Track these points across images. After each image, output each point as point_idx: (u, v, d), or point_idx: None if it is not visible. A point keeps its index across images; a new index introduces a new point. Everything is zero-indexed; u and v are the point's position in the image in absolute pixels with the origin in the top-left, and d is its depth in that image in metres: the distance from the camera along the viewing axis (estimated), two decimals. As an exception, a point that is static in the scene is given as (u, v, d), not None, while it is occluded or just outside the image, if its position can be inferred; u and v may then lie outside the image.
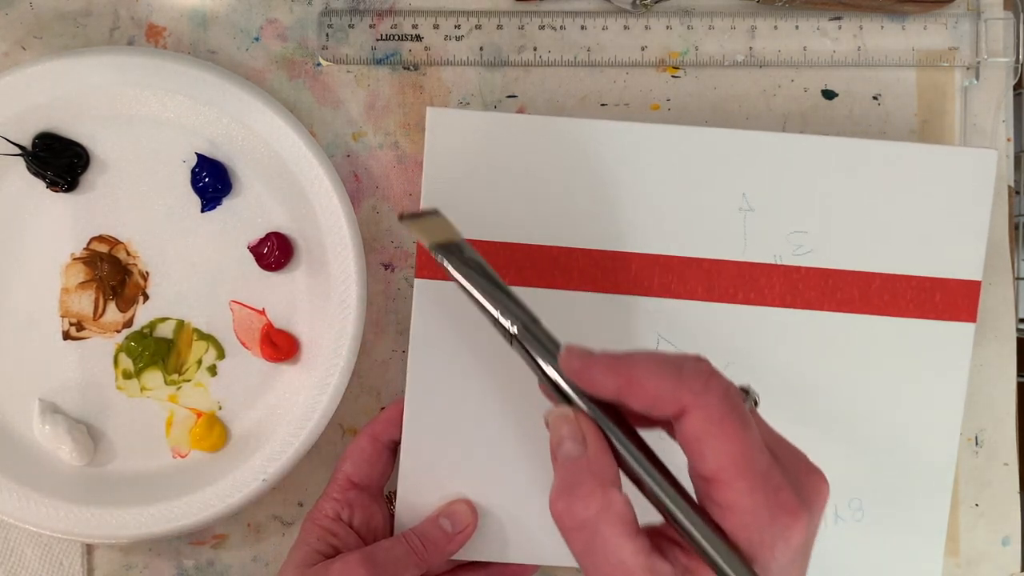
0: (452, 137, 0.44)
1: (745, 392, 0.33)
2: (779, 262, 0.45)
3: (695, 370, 0.31)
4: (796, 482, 0.31)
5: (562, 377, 0.33)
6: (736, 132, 0.45)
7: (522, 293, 0.45)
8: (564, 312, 0.45)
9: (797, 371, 0.45)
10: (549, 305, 0.45)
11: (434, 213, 0.40)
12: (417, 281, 0.45)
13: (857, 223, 0.45)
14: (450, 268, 0.37)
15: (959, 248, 0.45)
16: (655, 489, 0.31)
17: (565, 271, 0.45)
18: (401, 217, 0.39)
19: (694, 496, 0.32)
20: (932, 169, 0.45)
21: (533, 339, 0.34)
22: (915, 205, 0.45)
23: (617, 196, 0.45)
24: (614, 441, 0.32)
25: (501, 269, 0.44)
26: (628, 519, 0.31)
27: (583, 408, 0.33)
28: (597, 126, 0.45)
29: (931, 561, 0.46)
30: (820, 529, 0.46)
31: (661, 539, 0.32)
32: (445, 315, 0.45)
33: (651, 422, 0.33)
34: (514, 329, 0.35)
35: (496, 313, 0.35)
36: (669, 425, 0.32)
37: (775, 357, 0.45)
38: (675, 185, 0.45)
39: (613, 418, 0.33)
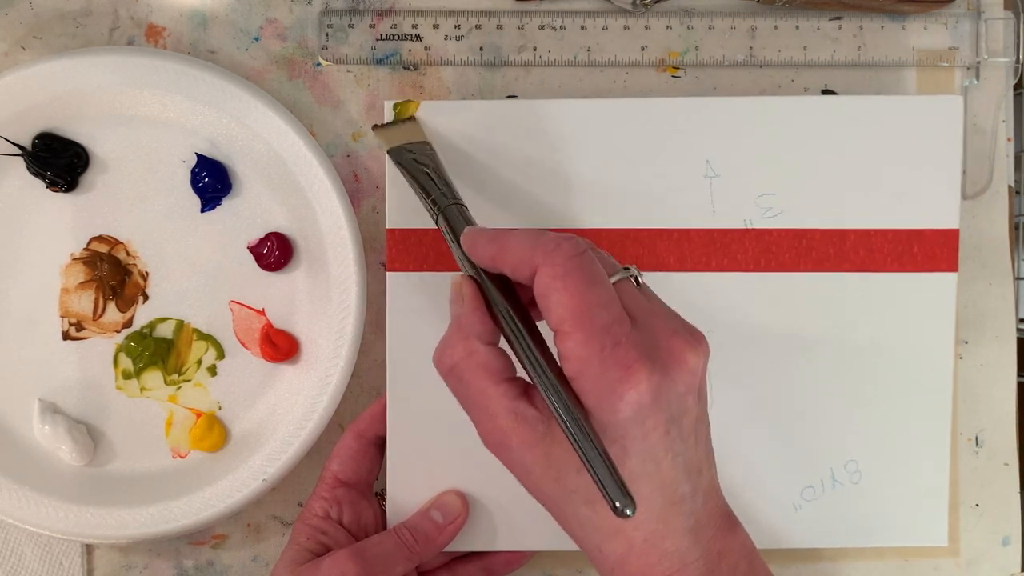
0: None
1: (624, 268, 0.36)
2: (750, 226, 0.45)
3: (550, 236, 0.34)
4: (650, 342, 0.32)
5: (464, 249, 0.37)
6: (694, 100, 0.45)
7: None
8: None
9: (780, 334, 0.45)
10: None
11: (406, 120, 0.44)
12: (389, 274, 0.45)
13: (826, 181, 0.45)
14: (393, 163, 0.42)
15: (933, 198, 0.45)
16: (513, 341, 0.34)
17: None
18: (374, 128, 0.44)
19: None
20: (897, 120, 0.44)
21: (448, 220, 0.39)
22: (883, 158, 0.45)
23: (581, 173, 0.45)
24: (493, 303, 0.35)
25: None
26: (492, 368, 0.34)
27: (471, 273, 0.37)
28: (554, 106, 0.45)
29: (936, 518, 0.46)
30: (818, 494, 0.46)
31: (536, 390, 0.34)
32: (420, 307, 0.45)
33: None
34: (436, 211, 0.39)
35: (425, 199, 0.40)
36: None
37: (756, 321, 0.45)
38: (637, 158, 0.45)
39: (500, 287, 0.36)
